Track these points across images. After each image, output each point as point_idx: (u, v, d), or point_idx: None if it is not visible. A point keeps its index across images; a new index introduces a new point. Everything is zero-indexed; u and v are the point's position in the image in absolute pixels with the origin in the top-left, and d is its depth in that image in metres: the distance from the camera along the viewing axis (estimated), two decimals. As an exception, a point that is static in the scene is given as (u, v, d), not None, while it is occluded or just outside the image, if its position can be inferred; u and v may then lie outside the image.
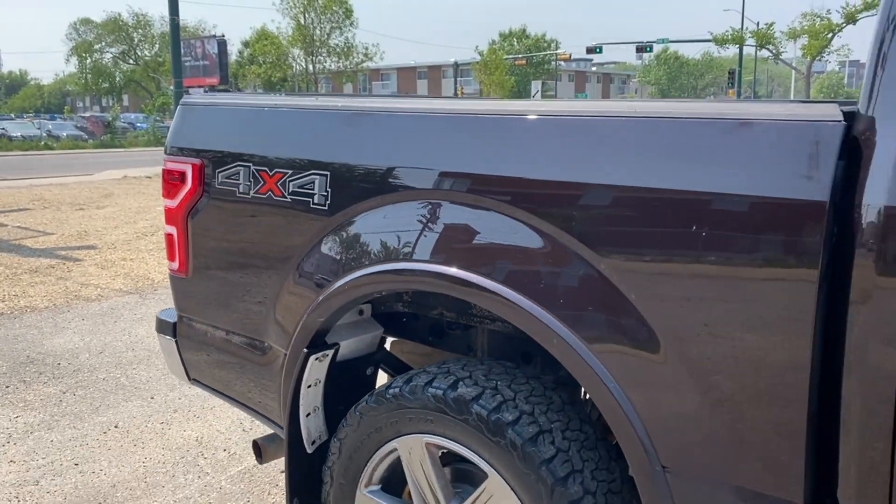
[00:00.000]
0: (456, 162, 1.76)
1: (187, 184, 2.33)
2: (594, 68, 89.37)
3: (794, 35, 49.88)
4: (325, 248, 1.97)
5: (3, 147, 31.24)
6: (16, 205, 12.32)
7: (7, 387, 4.13)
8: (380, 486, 1.99)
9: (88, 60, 62.63)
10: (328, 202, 1.96)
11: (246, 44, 58.57)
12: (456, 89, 55.42)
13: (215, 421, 3.65)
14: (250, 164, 2.14)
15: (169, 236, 2.42)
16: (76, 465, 3.23)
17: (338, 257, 1.94)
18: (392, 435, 1.90)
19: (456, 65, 59.99)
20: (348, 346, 2.10)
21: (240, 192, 2.17)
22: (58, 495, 2.96)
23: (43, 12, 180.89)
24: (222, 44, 46.70)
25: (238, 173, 2.18)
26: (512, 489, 1.67)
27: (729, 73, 50.81)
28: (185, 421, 3.69)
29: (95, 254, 7.95)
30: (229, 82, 49.80)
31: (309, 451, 2.12)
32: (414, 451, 1.86)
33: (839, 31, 48.87)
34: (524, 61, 58.32)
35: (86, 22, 63.58)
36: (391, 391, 1.87)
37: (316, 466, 2.11)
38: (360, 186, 1.91)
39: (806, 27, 49.76)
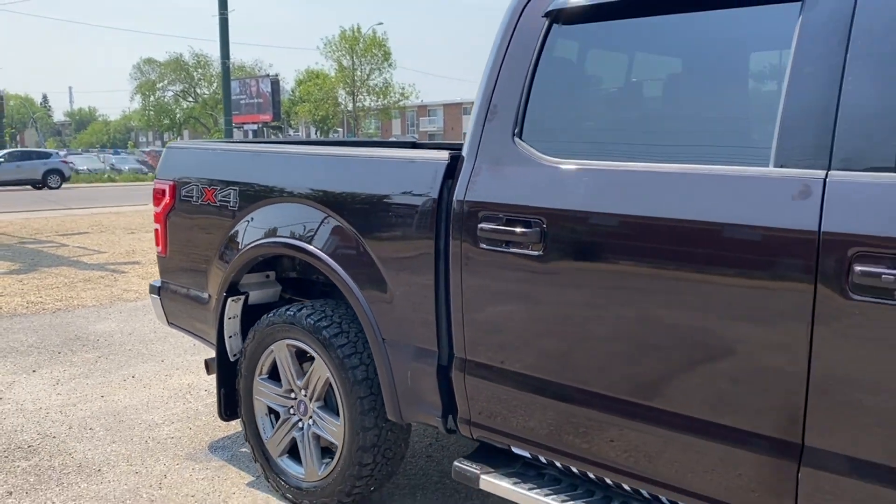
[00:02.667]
0: (296, 181, 3.12)
1: (166, 197, 3.73)
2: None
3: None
4: (236, 232, 3.34)
5: (70, 180, 33.67)
6: (77, 229, 14.09)
7: (59, 353, 5.58)
8: (267, 375, 3.33)
9: (151, 98, 66.13)
10: (237, 205, 3.33)
11: (299, 82, 61.33)
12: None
13: (204, 375, 5.02)
14: (199, 184, 3.54)
15: (156, 230, 3.82)
16: (102, 396, 4.63)
17: (242, 236, 3.30)
18: (271, 342, 3.24)
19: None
20: (255, 296, 3.46)
21: (193, 202, 3.57)
22: (88, 411, 4.35)
23: (113, 53, 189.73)
24: (275, 83, 49.25)
25: (192, 189, 3.57)
26: (325, 363, 2.99)
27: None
28: (182, 375, 5.07)
29: (139, 268, 9.48)
30: (281, 119, 52.39)
31: (231, 360, 3.47)
32: (281, 350, 3.20)
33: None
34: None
35: (150, 62, 67.24)
36: (269, 317, 3.21)
37: (234, 369, 3.46)
38: (253, 196, 3.28)
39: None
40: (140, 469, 3.59)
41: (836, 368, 1.81)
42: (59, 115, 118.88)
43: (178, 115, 67.13)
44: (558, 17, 2.45)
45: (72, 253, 11.00)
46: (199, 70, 64.38)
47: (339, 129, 56.29)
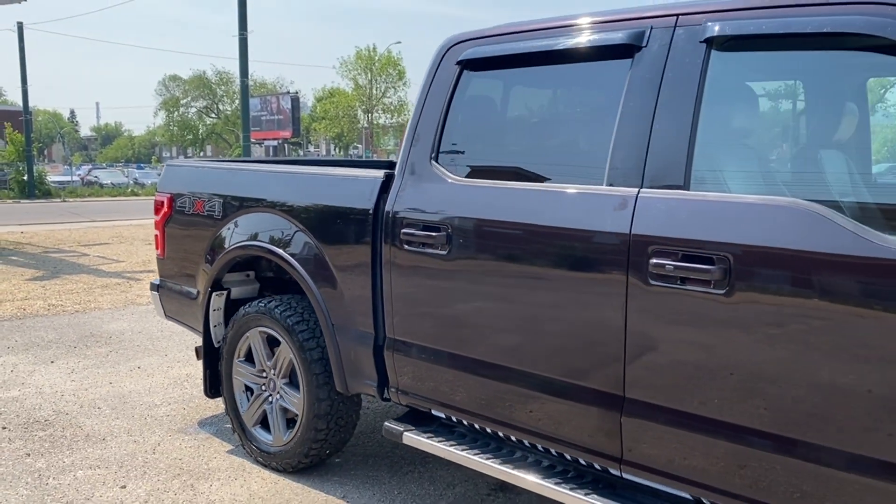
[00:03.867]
0: (267, 195, 3.75)
1: (164, 207, 4.38)
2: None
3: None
4: (219, 237, 3.97)
5: (94, 193, 34.76)
6: (99, 240, 14.86)
7: (75, 347, 6.24)
8: (244, 358, 3.95)
9: (175, 114, 67.55)
10: (222, 214, 3.97)
11: (319, 99, 62.44)
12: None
13: (201, 366, 5.64)
14: (191, 196, 4.19)
15: (156, 236, 4.47)
16: (110, 383, 5.28)
17: (225, 240, 3.94)
18: (247, 330, 3.86)
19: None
20: (236, 291, 4.09)
21: (185, 211, 4.22)
22: (97, 394, 5.00)
23: (139, 69, 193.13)
24: (295, 100, 50.26)
25: (185, 201, 4.22)
26: (289, 346, 3.61)
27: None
28: (182, 366, 5.71)
29: (154, 276, 10.17)
30: (301, 135, 53.44)
31: (215, 346, 4.10)
32: (255, 336, 3.83)
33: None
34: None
35: (174, 79, 68.72)
36: (246, 309, 3.84)
37: (217, 354, 4.08)
38: (234, 206, 3.92)
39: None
40: (138, 439, 4.22)
41: (644, 337, 2.40)
42: (85, 131, 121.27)
43: (200, 131, 68.46)
44: (467, 65, 3.08)
45: (92, 262, 11.73)
46: (222, 87, 65.72)
47: (359, 146, 57.26)
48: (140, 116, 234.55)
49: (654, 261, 2.34)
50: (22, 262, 11.87)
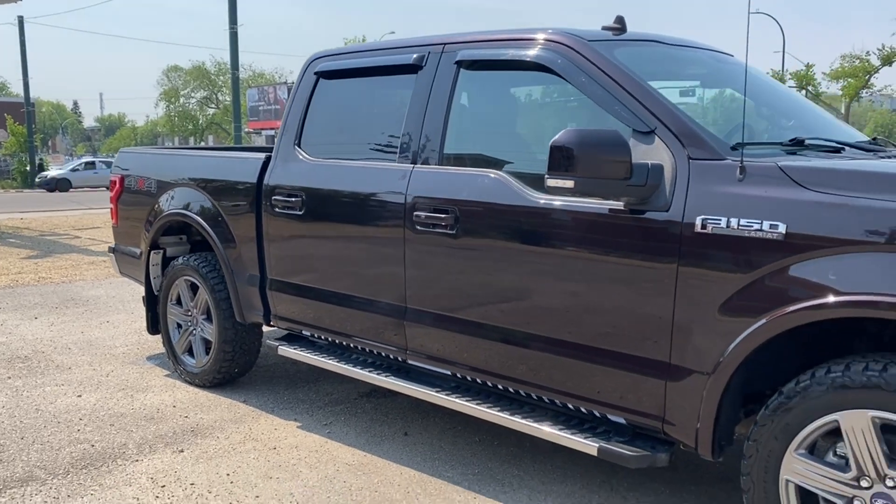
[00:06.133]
0: (186, 174, 4.87)
1: (117, 186, 5.51)
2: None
3: (836, 76, 51.24)
4: (155, 209, 5.10)
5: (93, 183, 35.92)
6: (91, 225, 16.04)
7: (56, 308, 7.39)
8: (175, 301, 5.08)
9: (176, 104, 68.64)
10: (157, 190, 5.09)
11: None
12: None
13: (159, 320, 6.78)
14: (135, 176, 5.31)
15: (111, 209, 5.60)
16: (82, 332, 6.42)
17: (158, 211, 5.06)
18: (176, 279, 4.99)
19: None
20: (171, 251, 5.22)
21: (131, 189, 5.35)
22: (70, 340, 6.14)
23: (144, 60, 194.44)
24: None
25: (132, 179, 5.35)
26: (206, 290, 4.74)
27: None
28: (143, 321, 6.85)
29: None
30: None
31: (155, 294, 5.23)
32: (181, 284, 4.96)
33: (875, 72, 49.87)
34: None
35: (175, 69, 69.72)
36: (175, 264, 4.96)
37: (156, 300, 5.21)
38: (166, 183, 5.04)
39: (847, 68, 50.99)
40: (96, 368, 5.36)
41: (416, 264, 3.52)
42: (89, 121, 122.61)
43: (201, 121, 69.52)
44: (322, 75, 4.19)
45: (83, 243, 12.90)
46: (221, 77, 66.71)
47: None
48: (143, 107, 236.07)
49: (417, 213, 3.46)
50: (19, 243, 13.05)
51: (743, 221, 2.54)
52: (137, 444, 3.98)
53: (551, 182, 2.77)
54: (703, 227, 2.62)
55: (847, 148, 3.09)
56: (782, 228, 2.47)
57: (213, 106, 68.27)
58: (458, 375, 3.54)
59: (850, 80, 51.58)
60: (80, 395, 4.76)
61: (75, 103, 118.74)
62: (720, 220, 2.59)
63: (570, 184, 2.72)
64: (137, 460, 3.78)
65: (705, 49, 3.83)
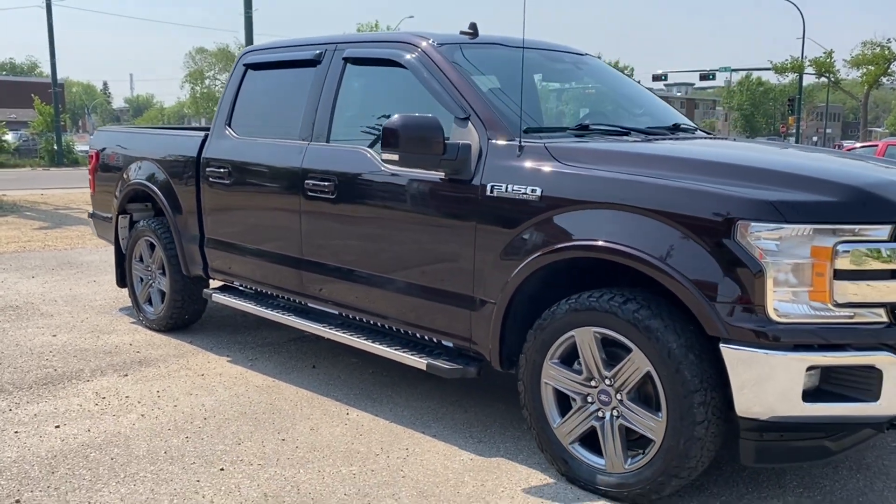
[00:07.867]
0: (145, 149, 5.72)
1: (94, 160, 6.38)
2: (678, 93, 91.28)
3: (857, 63, 51.03)
4: (122, 179, 5.96)
5: (117, 162, 37.09)
6: (104, 200, 17.07)
7: (53, 270, 8.33)
8: (138, 258, 5.95)
9: (201, 85, 69.90)
10: (124, 163, 5.96)
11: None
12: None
13: (139, 280, 7.68)
14: (109, 151, 6.18)
15: (90, 180, 6.48)
16: (70, 289, 7.33)
17: (125, 181, 5.92)
18: (138, 239, 5.86)
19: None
20: (137, 216, 6.08)
21: (105, 163, 6.22)
22: (58, 295, 7.05)
23: (173, 41, 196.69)
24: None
25: (107, 154, 6.22)
26: (160, 248, 5.60)
27: (789, 100, 52.60)
28: (127, 281, 7.75)
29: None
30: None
31: (123, 252, 6.11)
32: (142, 244, 5.83)
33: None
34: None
35: (201, 51, 71.06)
36: (138, 226, 5.83)
37: (124, 257, 6.08)
38: (132, 158, 5.90)
39: (868, 55, 50.76)
40: (75, 315, 6.26)
41: (309, 224, 4.34)
42: (119, 102, 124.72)
43: (225, 103, 70.53)
44: (249, 66, 5.01)
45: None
46: (245, 60, 67.74)
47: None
48: (172, 88, 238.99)
49: (307, 181, 4.27)
50: (34, 216, 14.07)
51: (515, 186, 3.33)
52: (91, 370, 4.86)
53: (384, 156, 3.58)
54: (491, 191, 3.42)
55: (632, 132, 3.86)
56: (539, 192, 3.25)
57: (237, 88, 69.28)
58: (343, 314, 4.36)
59: (870, 67, 51.49)
60: (55, 335, 5.66)
61: (105, 84, 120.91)
62: (502, 185, 3.38)
63: (395, 157, 3.52)
64: (89, 381, 4.66)
65: (554, 50, 4.60)
